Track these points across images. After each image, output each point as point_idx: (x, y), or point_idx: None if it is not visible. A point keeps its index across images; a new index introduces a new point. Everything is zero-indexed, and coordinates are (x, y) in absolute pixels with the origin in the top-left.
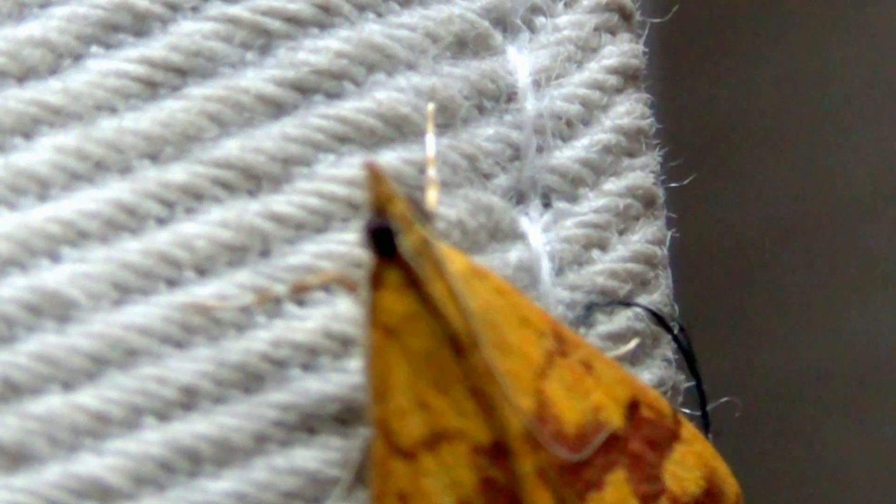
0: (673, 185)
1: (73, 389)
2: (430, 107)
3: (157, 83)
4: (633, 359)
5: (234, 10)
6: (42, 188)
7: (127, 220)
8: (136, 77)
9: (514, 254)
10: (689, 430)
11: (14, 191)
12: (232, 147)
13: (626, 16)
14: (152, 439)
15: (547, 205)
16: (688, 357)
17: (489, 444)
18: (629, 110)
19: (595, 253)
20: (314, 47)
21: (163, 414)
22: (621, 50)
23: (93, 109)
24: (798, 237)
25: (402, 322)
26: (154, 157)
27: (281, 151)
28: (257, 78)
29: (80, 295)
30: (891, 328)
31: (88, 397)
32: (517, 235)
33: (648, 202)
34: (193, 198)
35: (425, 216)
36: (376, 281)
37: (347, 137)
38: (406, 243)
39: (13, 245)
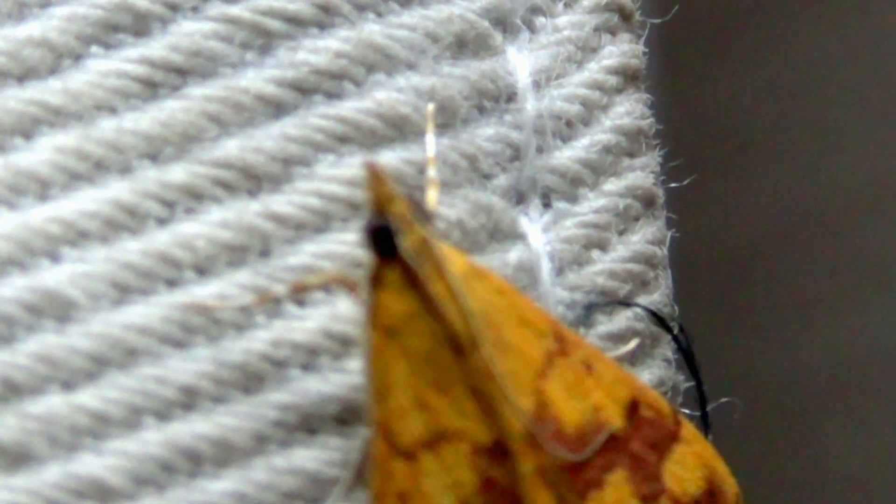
0: (673, 185)
1: (73, 389)
2: (430, 107)
3: (157, 83)
4: (633, 359)
5: (234, 10)
6: (42, 188)
7: (127, 220)
8: (136, 77)
9: (514, 254)
10: (689, 430)
11: (14, 191)
12: (232, 147)
13: (625, 16)
14: (152, 439)
15: (547, 205)
16: (688, 357)
17: (489, 445)
18: (629, 110)
19: (595, 253)
20: (314, 47)
21: (163, 414)
22: (621, 50)
23: (93, 109)
24: (798, 237)
25: (402, 322)
26: (154, 157)
27: (281, 151)
28: (257, 78)
29: (80, 295)
30: (891, 328)
31: (88, 397)
32: (517, 235)
33: (648, 202)
34: (193, 198)
35: (425, 216)
36: (376, 281)
37: (347, 137)
38: (406, 243)
39: (13, 245)
